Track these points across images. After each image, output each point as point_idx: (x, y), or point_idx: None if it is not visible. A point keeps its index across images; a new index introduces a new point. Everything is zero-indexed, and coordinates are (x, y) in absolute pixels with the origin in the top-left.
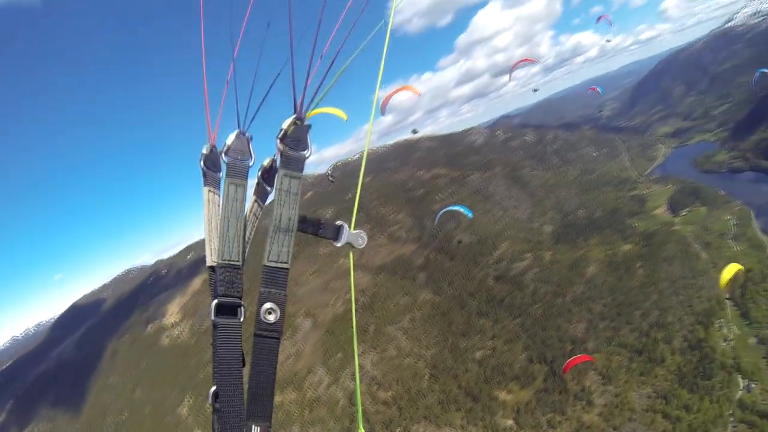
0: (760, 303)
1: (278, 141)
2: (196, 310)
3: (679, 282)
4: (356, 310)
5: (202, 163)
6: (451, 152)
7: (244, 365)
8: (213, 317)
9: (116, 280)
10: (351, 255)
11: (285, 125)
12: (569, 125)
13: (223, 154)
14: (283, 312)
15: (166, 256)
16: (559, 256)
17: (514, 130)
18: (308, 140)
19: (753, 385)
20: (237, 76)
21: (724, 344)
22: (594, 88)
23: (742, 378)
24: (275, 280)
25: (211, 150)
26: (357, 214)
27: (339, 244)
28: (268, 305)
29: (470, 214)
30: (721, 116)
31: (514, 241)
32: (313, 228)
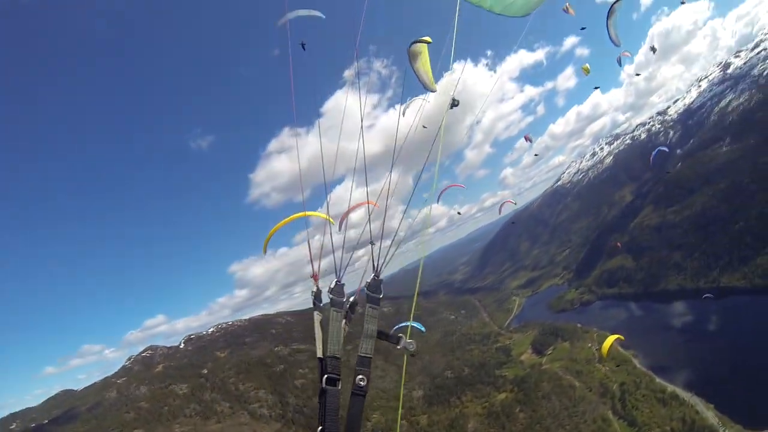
0: (641, 408)
1: (365, 288)
2: None
3: (561, 414)
4: None
5: (313, 296)
6: (309, 327)
7: (339, 415)
8: (323, 386)
9: None
10: (405, 357)
11: (369, 279)
12: (425, 293)
13: (328, 293)
14: (368, 380)
15: None
16: (436, 417)
17: None
18: (381, 288)
19: None
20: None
21: None
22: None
23: None
24: (364, 363)
25: (317, 290)
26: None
27: (399, 347)
28: (360, 376)
29: (423, 330)
30: (565, 261)
31: (385, 411)
32: (385, 337)
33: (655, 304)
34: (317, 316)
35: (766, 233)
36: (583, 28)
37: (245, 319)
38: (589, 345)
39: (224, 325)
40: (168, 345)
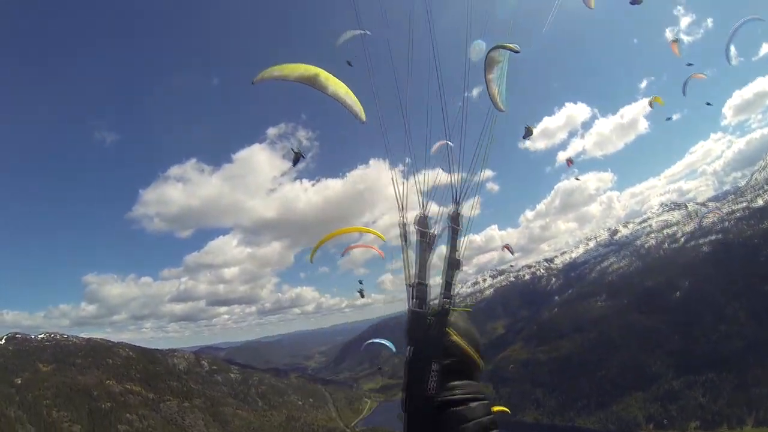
0: None
1: (448, 220)
2: None
3: None
4: None
5: (402, 228)
6: (150, 369)
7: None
8: (413, 308)
9: None
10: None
11: (450, 212)
12: (277, 370)
13: (414, 225)
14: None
15: None
16: None
17: (220, 363)
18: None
19: None
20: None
21: None
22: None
23: None
24: (448, 288)
25: (404, 225)
26: None
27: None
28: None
29: (394, 349)
30: None
31: None
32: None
33: None
34: (405, 247)
35: (625, 384)
36: (689, 64)
37: (83, 338)
38: None
39: (57, 336)
40: None
